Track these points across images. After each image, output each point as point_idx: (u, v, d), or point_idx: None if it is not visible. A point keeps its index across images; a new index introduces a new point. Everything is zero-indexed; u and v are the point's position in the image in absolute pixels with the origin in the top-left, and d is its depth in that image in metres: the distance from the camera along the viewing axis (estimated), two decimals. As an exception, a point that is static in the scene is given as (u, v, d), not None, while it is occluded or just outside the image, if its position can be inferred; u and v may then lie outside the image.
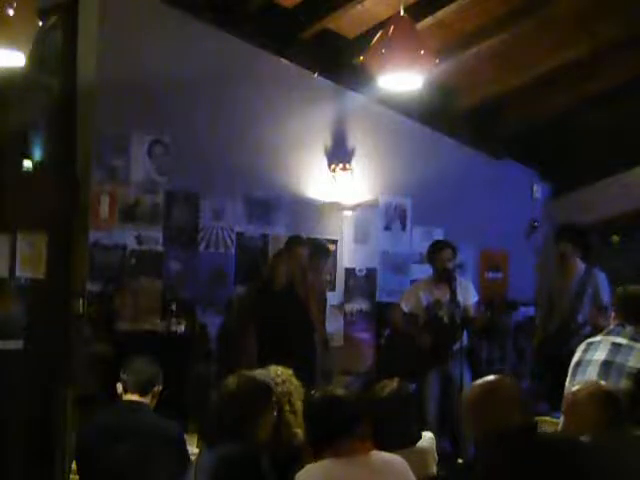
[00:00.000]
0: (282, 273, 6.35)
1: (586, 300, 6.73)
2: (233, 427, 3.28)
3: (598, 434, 3.45)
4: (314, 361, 6.31)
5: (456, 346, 6.36)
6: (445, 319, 6.57)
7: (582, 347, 4.54)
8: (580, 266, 6.85)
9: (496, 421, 3.05)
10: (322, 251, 6.92)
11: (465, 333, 6.48)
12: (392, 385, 3.89)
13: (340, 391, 3.37)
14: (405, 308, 6.77)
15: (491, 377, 3.29)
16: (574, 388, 3.72)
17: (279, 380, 3.55)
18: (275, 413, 3.42)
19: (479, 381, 3.23)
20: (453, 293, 6.43)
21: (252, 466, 3.21)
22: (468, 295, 6.75)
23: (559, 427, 3.86)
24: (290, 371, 3.64)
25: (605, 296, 6.63)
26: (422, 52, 4.25)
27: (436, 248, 6.77)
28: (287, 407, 3.50)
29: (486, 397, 3.13)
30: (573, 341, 6.37)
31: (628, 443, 3.51)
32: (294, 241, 6.53)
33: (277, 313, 6.22)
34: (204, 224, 6.78)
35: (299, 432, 3.54)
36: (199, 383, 6.43)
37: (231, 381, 3.42)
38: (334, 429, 3.19)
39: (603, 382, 3.96)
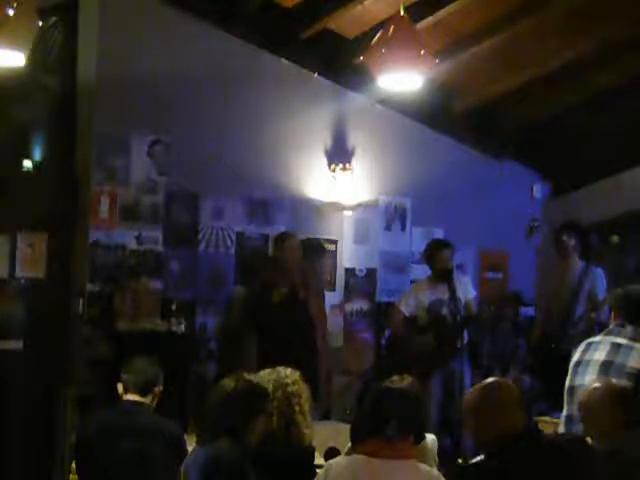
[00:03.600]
0: (281, 272, 6.34)
1: (583, 297, 6.75)
2: (227, 427, 3.28)
3: (617, 435, 3.44)
4: (315, 361, 6.29)
5: (458, 344, 6.37)
6: (448, 318, 6.57)
7: (582, 347, 4.54)
8: (579, 264, 6.88)
9: (497, 425, 3.01)
10: (319, 250, 6.92)
11: (466, 331, 6.49)
12: (403, 382, 3.86)
13: (399, 389, 3.29)
14: (405, 311, 6.76)
15: (490, 380, 3.27)
16: (589, 387, 3.73)
17: (289, 381, 3.54)
18: (274, 417, 3.42)
19: (478, 385, 3.21)
20: (453, 291, 6.43)
21: (236, 467, 3.19)
22: (467, 291, 6.77)
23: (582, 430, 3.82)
24: (298, 373, 3.63)
25: (601, 293, 6.67)
26: (422, 52, 4.25)
27: (435, 248, 6.77)
28: (297, 408, 3.48)
29: (486, 400, 3.10)
30: (569, 338, 6.41)
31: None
32: (282, 237, 6.51)
33: (277, 313, 6.21)
34: (204, 224, 6.77)
35: (308, 432, 3.53)
36: (199, 383, 6.43)
37: (228, 382, 3.42)
38: (372, 425, 3.09)
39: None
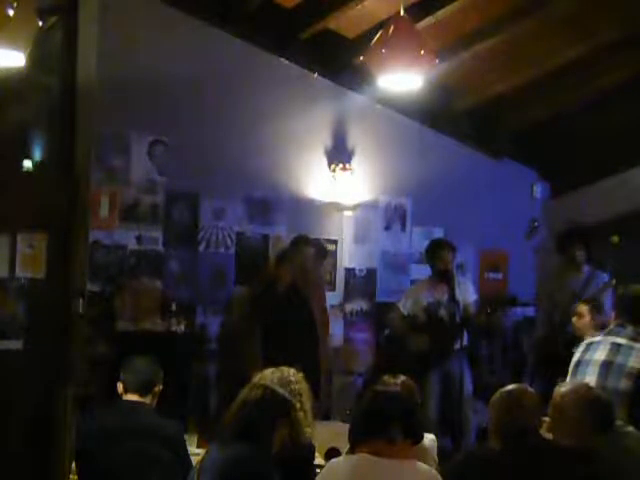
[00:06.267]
0: (286, 273, 6.33)
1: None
2: (250, 433, 3.30)
3: (583, 439, 3.45)
4: (317, 360, 6.29)
5: (456, 345, 6.37)
6: (445, 319, 6.57)
7: (582, 347, 4.54)
8: (585, 268, 6.86)
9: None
10: (320, 252, 6.92)
11: (465, 332, 6.48)
12: (395, 381, 3.87)
13: (396, 391, 3.30)
14: (404, 310, 6.77)
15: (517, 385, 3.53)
16: (562, 389, 3.71)
17: (292, 379, 3.57)
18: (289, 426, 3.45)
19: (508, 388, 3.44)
20: (452, 292, 6.43)
21: (261, 469, 3.22)
22: (467, 294, 6.76)
23: (544, 428, 3.84)
24: (301, 373, 3.66)
25: (605, 298, 6.63)
26: (422, 52, 4.25)
27: (435, 248, 6.77)
28: (298, 405, 3.51)
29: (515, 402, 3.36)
30: (568, 338, 6.40)
31: (622, 449, 3.50)
32: (301, 240, 6.49)
33: (280, 313, 6.20)
34: (204, 224, 6.78)
35: (308, 430, 3.55)
36: (199, 383, 6.43)
37: (255, 390, 3.44)
38: (374, 425, 3.10)
39: (592, 384, 3.95)
